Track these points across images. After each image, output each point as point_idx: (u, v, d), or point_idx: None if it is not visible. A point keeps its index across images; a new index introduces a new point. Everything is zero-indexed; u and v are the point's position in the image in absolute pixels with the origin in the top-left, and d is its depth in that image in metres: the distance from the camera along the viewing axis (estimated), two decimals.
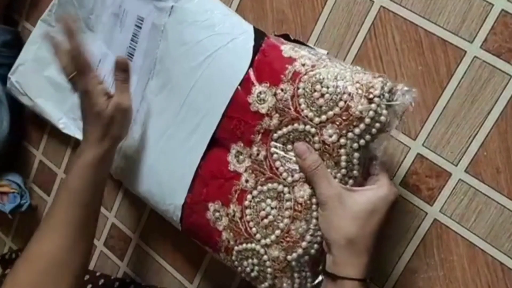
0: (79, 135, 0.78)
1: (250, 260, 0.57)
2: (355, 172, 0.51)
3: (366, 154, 0.52)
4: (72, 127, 0.81)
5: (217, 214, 0.59)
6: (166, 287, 0.79)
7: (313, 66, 0.53)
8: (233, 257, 0.58)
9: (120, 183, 0.80)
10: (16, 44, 0.86)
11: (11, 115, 0.83)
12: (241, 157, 0.57)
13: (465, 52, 0.56)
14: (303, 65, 0.54)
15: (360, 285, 0.50)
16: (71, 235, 0.58)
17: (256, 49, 0.58)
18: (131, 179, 0.71)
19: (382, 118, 0.50)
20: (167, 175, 0.65)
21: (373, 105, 0.49)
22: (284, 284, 0.55)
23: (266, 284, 0.57)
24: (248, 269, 0.58)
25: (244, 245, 0.57)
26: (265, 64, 0.57)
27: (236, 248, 0.58)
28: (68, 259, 0.57)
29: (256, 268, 0.57)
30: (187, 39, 0.63)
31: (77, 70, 0.60)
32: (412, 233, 0.61)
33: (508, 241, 0.56)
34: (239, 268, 0.59)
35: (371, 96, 0.49)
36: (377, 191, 0.51)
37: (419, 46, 0.58)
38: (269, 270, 0.55)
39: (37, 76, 0.81)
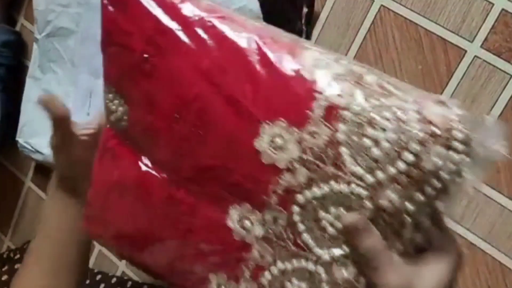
0: None
1: None
2: (417, 240, 0.36)
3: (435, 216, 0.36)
4: None
5: None
6: (164, 286, 0.79)
7: (351, 95, 0.35)
8: None
9: None
10: (17, 45, 0.86)
11: (5, 114, 0.84)
12: (247, 222, 0.39)
13: (465, 51, 0.56)
14: (340, 95, 0.34)
15: None
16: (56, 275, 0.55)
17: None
18: None
19: (465, 172, 0.33)
20: None
21: (456, 157, 0.33)
22: None
23: None
24: None
25: None
26: (275, 86, 0.36)
27: None
28: None
29: None
30: None
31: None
32: None
33: (507, 241, 0.56)
34: None
35: (451, 143, 0.32)
36: (445, 263, 0.38)
37: (419, 45, 0.58)
38: None
39: (42, 131, 0.81)
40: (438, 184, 0.33)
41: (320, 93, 0.34)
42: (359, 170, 0.34)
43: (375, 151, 0.33)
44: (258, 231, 0.39)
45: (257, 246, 0.39)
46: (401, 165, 0.33)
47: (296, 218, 0.37)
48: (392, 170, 0.33)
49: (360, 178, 0.34)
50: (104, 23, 0.43)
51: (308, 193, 0.36)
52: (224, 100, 0.37)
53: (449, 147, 0.33)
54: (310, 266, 0.38)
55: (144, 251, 0.46)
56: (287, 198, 0.37)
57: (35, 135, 0.83)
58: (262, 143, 0.36)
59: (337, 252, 0.37)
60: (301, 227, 0.37)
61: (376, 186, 0.34)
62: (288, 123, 0.35)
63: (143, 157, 0.44)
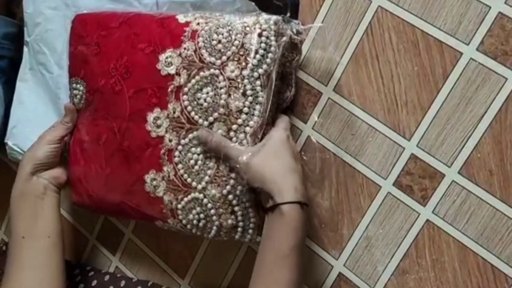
0: None
1: (194, 211, 0.61)
2: (260, 98, 0.58)
3: (267, 81, 0.59)
4: None
5: (154, 182, 0.64)
6: (158, 283, 0.79)
7: (206, 22, 0.60)
8: (180, 217, 0.63)
9: None
10: (18, 38, 0.85)
11: (6, 107, 0.83)
12: (159, 121, 0.63)
13: (461, 54, 0.56)
14: (198, 24, 0.60)
15: (298, 208, 0.54)
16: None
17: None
18: None
19: (273, 48, 0.58)
20: None
21: (263, 38, 0.57)
22: (229, 221, 0.60)
23: (215, 228, 0.61)
24: (195, 221, 0.62)
25: (185, 198, 0.61)
26: (165, 33, 0.63)
27: (179, 206, 0.62)
28: None
29: (202, 215, 0.61)
30: None
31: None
32: (404, 233, 0.61)
33: (499, 243, 0.56)
34: (188, 225, 0.63)
35: (259, 31, 0.57)
36: (274, 138, 0.58)
37: (415, 47, 0.58)
38: (212, 211, 0.60)
39: (32, 133, 0.80)
40: (259, 57, 0.57)
41: (188, 27, 0.61)
42: (212, 59, 0.59)
43: (219, 46, 0.58)
44: (166, 123, 0.62)
45: (167, 135, 0.62)
46: (233, 49, 0.58)
47: (185, 103, 0.60)
48: (229, 53, 0.58)
49: (214, 63, 0.59)
50: (71, 36, 0.72)
51: (189, 84, 0.60)
52: (140, 51, 0.64)
53: (259, 35, 0.57)
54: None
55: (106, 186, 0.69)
56: (178, 92, 0.61)
57: (24, 137, 0.81)
58: (161, 64, 0.63)
59: (211, 118, 0.59)
60: (189, 108, 0.60)
61: (223, 65, 0.58)
62: (173, 47, 0.62)
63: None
